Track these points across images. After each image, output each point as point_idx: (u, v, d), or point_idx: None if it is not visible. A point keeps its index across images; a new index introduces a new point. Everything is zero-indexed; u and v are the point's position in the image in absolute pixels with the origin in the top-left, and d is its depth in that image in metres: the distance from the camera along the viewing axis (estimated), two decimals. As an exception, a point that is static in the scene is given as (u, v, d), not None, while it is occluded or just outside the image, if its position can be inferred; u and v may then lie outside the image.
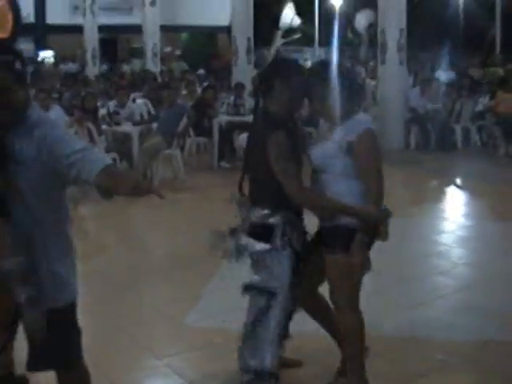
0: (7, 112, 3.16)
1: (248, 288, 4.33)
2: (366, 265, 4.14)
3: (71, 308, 3.45)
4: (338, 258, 4.16)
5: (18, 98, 3.17)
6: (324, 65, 4.35)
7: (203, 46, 33.73)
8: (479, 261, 7.49)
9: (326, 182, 4.20)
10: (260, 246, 4.23)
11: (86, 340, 3.61)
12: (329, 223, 4.22)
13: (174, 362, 5.10)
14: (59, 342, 3.38)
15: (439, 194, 11.28)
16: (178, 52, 30.72)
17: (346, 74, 4.34)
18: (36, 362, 3.42)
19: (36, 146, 3.14)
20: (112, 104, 12.95)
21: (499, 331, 5.48)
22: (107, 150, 11.11)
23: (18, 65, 3.17)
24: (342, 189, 4.13)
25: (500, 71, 19.72)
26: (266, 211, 4.22)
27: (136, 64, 26.77)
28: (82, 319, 3.59)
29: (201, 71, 25.46)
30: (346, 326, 4.28)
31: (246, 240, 4.30)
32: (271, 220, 4.20)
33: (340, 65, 4.38)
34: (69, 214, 3.48)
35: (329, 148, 4.17)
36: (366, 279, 4.37)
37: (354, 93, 4.38)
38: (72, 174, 3.11)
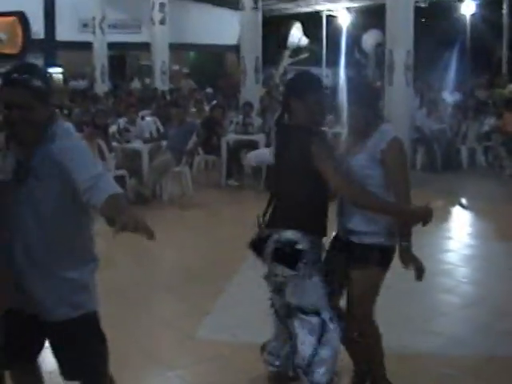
0: (27, 128, 3.19)
1: (295, 311, 4.27)
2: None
3: (93, 317, 3.47)
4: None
5: (37, 114, 3.19)
6: (347, 80, 4.48)
7: (211, 65, 33.83)
8: (483, 279, 7.60)
9: None
10: (286, 271, 4.20)
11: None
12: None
13: (186, 373, 5.22)
14: (81, 352, 3.42)
15: (445, 214, 11.33)
16: (185, 70, 30.81)
17: (368, 87, 4.49)
18: (63, 372, 3.50)
19: (55, 162, 3.17)
20: (122, 121, 13.03)
21: (503, 347, 5.59)
22: (117, 167, 11.26)
23: (36, 82, 3.18)
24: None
25: (506, 92, 19.82)
26: (294, 235, 4.20)
27: (136, 83, 26.95)
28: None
29: (208, 90, 25.57)
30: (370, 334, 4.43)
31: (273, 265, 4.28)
32: (299, 246, 4.19)
33: (360, 78, 4.53)
34: (89, 225, 3.48)
35: (362, 159, 4.26)
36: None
37: (378, 104, 4.54)
38: (84, 198, 3.14)
